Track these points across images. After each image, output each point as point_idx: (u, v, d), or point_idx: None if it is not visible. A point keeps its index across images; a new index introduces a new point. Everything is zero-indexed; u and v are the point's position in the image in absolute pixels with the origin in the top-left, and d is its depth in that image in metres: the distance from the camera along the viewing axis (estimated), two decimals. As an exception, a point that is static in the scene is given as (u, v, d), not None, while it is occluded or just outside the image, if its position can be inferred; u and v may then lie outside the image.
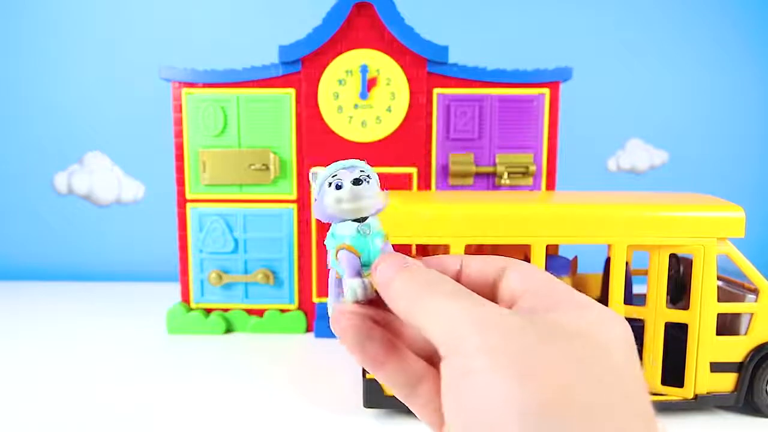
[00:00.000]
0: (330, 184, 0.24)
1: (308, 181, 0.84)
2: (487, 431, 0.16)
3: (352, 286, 0.24)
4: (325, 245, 0.26)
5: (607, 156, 1.25)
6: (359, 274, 0.24)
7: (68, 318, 0.93)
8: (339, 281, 0.26)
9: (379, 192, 0.25)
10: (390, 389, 0.23)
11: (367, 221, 0.25)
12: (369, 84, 0.82)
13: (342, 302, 0.25)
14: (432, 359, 0.23)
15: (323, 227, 0.85)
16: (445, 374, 0.18)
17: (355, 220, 0.25)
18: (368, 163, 0.25)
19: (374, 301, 0.24)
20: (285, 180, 0.85)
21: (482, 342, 0.17)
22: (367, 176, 0.24)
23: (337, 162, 0.25)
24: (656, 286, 0.58)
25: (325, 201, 0.24)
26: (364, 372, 0.58)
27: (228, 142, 0.84)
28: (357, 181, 0.24)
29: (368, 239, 0.24)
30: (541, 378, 0.16)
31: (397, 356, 0.23)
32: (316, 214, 0.25)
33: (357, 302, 0.24)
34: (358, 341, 0.23)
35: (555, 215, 0.57)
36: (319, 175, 0.25)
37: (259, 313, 0.88)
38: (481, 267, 0.23)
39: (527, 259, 0.61)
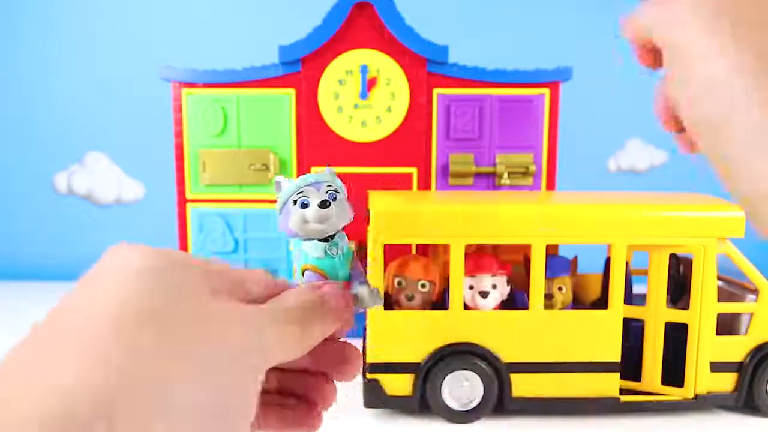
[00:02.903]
0: (295, 201, 0.23)
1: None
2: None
3: None
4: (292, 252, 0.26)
5: (607, 156, 1.25)
6: None
7: (68, 318, 0.93)
8: None
9: (346, 206, 0.24)
10: None
11: (334, 240, 0.24)
12: (369, 84, 0.82)
13: None
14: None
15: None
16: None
17: (321, 240, 0.24)
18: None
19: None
20: (285, 180, 0.85)
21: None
22: (335, 191, 0.24)
23: (303, 176, 0.24)
24: (656, 286, 0.58)
25: (290, 220, 0.24)
26: (364, 372, 0.58)
27: (228, 142, 0.84)
28: (324, 204, 0.23)
29: (336, 260, 0.24)
30: None
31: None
32: (280, 228, 0.25)
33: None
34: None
35: (555, 215, 0.57)
36: (284, 188, 0.24)
37: (259, 313, 0.87)
38: None
39: (527, 259, 0.61)
